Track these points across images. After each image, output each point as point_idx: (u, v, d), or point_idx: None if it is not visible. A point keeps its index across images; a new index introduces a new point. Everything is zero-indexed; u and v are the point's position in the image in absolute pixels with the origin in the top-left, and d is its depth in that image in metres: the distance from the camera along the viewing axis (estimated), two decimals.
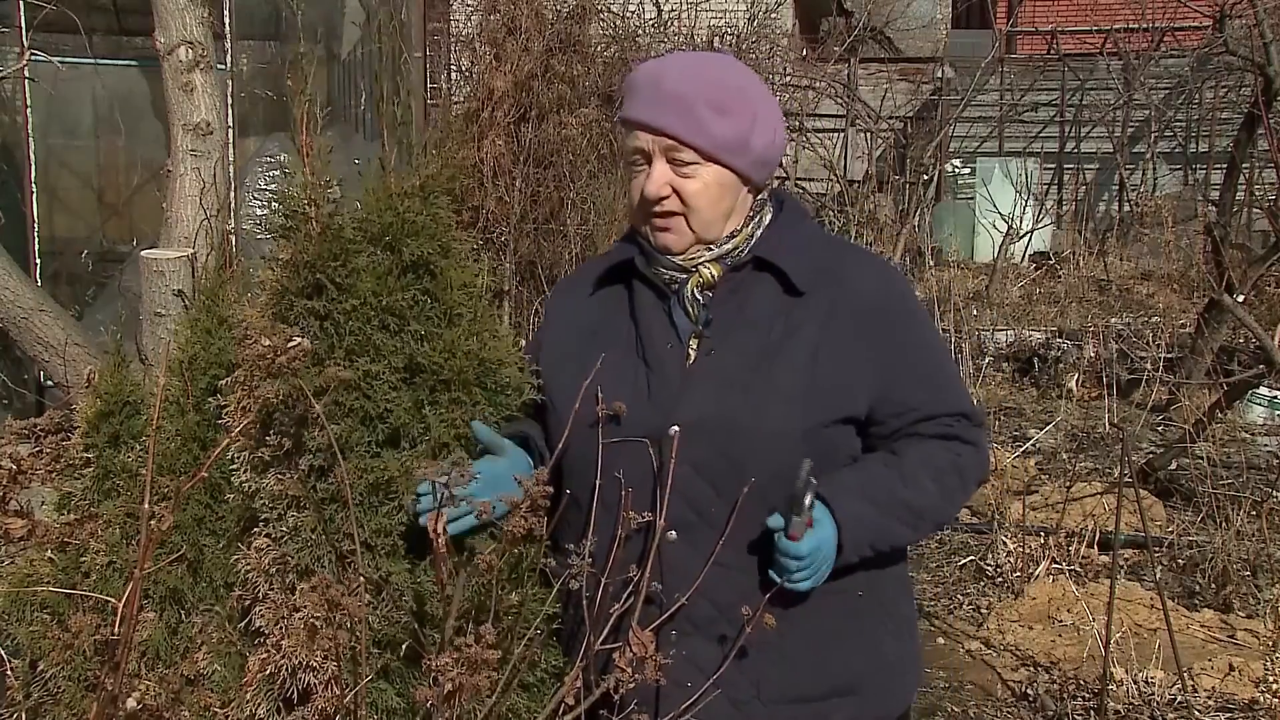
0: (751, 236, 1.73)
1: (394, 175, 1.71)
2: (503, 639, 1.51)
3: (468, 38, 7.25)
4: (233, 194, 4.18)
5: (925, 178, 10.94)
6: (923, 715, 3.64)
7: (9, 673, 1.86)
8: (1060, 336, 8.07)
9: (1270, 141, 6.45)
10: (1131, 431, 6.02)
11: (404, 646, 1.58)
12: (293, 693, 1.55)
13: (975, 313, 8.36)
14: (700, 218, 1.68)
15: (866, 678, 1.71)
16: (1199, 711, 3.53)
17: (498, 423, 1.70)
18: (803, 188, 10.42)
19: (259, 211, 5.13)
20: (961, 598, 4.55)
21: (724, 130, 1.65)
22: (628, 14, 7.83)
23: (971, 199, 12.57)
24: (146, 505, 1.39)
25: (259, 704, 1.56)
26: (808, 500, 1.54)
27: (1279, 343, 5.31)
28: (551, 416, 1.75)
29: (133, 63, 5.84)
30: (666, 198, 1.67)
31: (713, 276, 1.70)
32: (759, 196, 1.75)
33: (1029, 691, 3.75)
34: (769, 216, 1.75)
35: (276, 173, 5.15)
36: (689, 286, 1.71)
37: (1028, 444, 6.07)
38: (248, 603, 1.63)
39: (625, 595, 1.60)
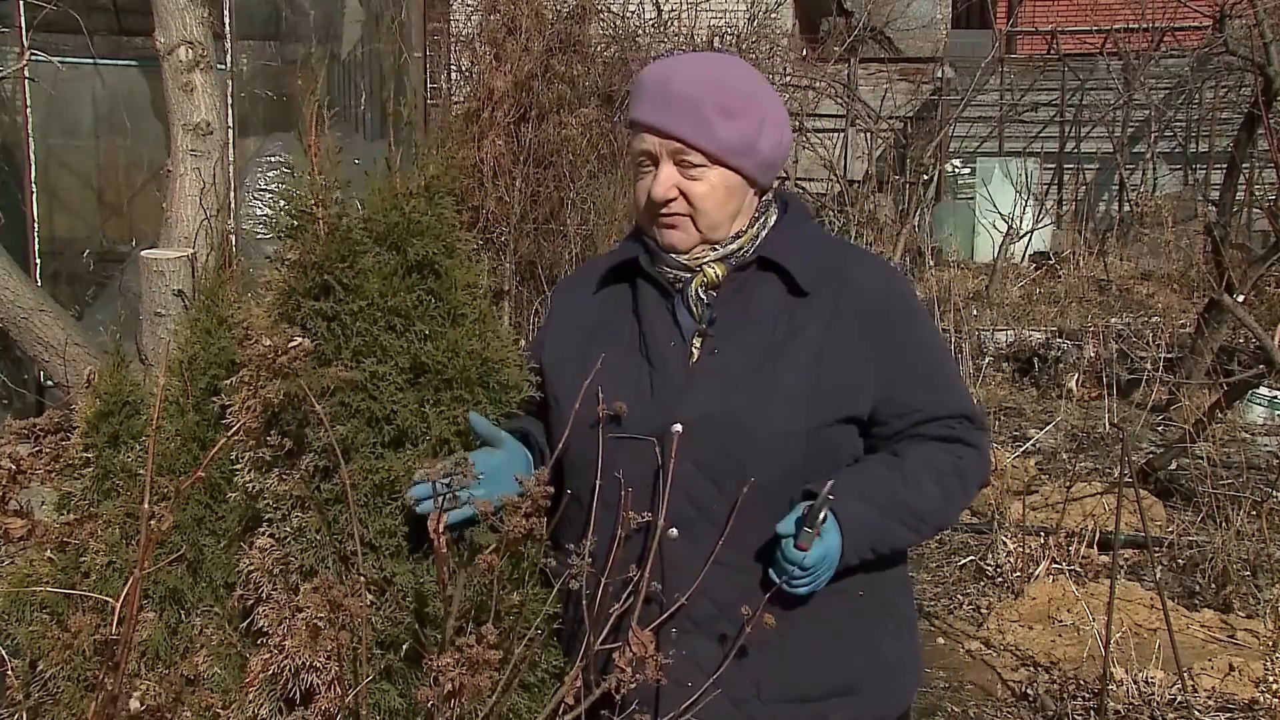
0: (756, 237, 1.73)
1: (399, 175, 1.71)
2: (503, 639, 1.51)
3: (468, 38, 7.25)
4: (233, 194, 4.19)
5: (925, 178, 10.94)
6: (923, 715, 3.64)
7: (9, 673, 1.86)
8: (1060, 336, 8.07)
9: (1270, 141, 6.45)
10: (1131, 431, 6.02)
11: (405, 647, 1.58)
12: (295, 693, 1.55)
13: (975, 313, 8.36)
14: (707, 219, 1.68)
15: (866, 678, 1.71)
16: (1199, 711, 3.53)
17: (497, 420, 1.70)
18: (803, 188, 10.41)
19: (259, 211, 5.13)
20: (961, 598, 4.55)
21: (732, 133, 1.66)
22: (628, 14, 7.83)
23: (971, 199, 12.57)
24: (146, 505, 1.39)
25: (261, 704, 1.56)
26: (822, 515, 1.55)
27: (1279, 343, 5.31)
28: (554, 414, 1.75)
29: (133, 63, 5.85)
30: (674, 200, 1.68)
31: (717, 276, 1.71)
32: (764, 197, 1.76)
33: (1029, 691, 3.75)
34: (774, 217, 1.76)
35: (277, 173, 5.15)
36: (693, 285, 1.71)
37: (1028, 444, 6.07)
38: (249, 603, 1.63)
39: (625, 595, 1.60)
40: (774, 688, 1.65)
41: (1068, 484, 5.20)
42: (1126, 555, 4.77)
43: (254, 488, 1.63)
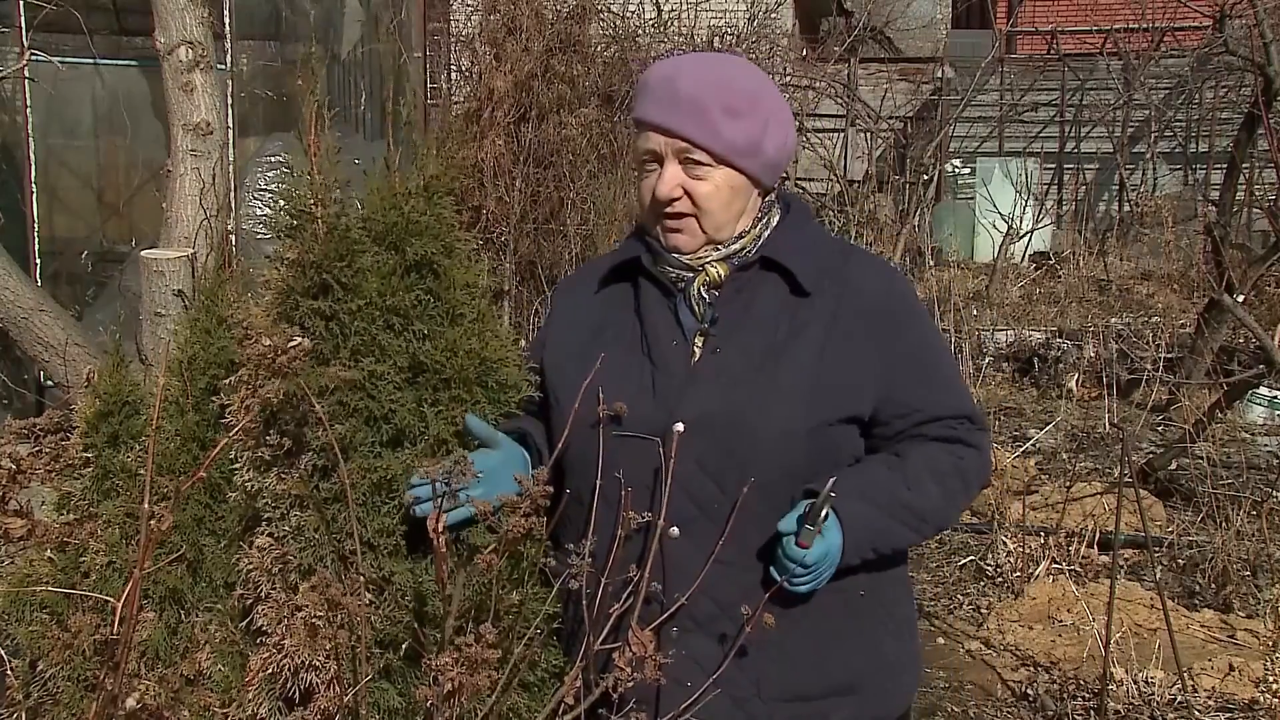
0: (759, 237, 1.73)
1: (398, 175, 1.71)
2: (503, 638, 1.51)
3: (468, 38, 7.26)
4: (233, 194, 4.19)
5: (925, 178, 10.93)
6: (923, 715, 3.64)
7: (9, 673, 1.85)
8: (1060, 336, 8.07)
9: (1270, 141, 6.44)
10: (1131, 431, 6.02)
11: (404, 646, 1.58)
12: (294, 692, 1.55)
13: (975, 313, 8.36)
14: (712, 219, 1.69)
15: (866, 677, 1.71)
16: (1199, 711, 3.53)
17: (496, 420, 1.70)
18: (803, 188, 10.41)
19: (259, 211, 5.14)
20: (961, 598, 4.55)
21: (737, 134, 1.66)
22: (628, 14, 7.83)
23: (971, 199, 12.57)
24: (146, 505, 1.39)
25: (260, 703, 1.56)
26: (824, 514, 1.55)
27: (1279, 343, 5.31)
28: (555, 413, 1.75)
29: (133, 63, 5.85)
30: (678, 199, 1.68)
31: (719, 276, 1.71)
32: (767, 198, 1.76)
33: (1029, 691, 3.75)
34: (776, 217, 1.76)
35: (277, 173, 5.15)
36: (695, 285, 1.71)
37: (1028, 444, 6.07)
38: (249, 602, 1.63)
39: (626, 594, 1.60)
40: (774, 687, 1.65)
41: (1068, 484, 5.20)
42: (1126, 555, 4.77)
43: (253, 487, 1.63)
